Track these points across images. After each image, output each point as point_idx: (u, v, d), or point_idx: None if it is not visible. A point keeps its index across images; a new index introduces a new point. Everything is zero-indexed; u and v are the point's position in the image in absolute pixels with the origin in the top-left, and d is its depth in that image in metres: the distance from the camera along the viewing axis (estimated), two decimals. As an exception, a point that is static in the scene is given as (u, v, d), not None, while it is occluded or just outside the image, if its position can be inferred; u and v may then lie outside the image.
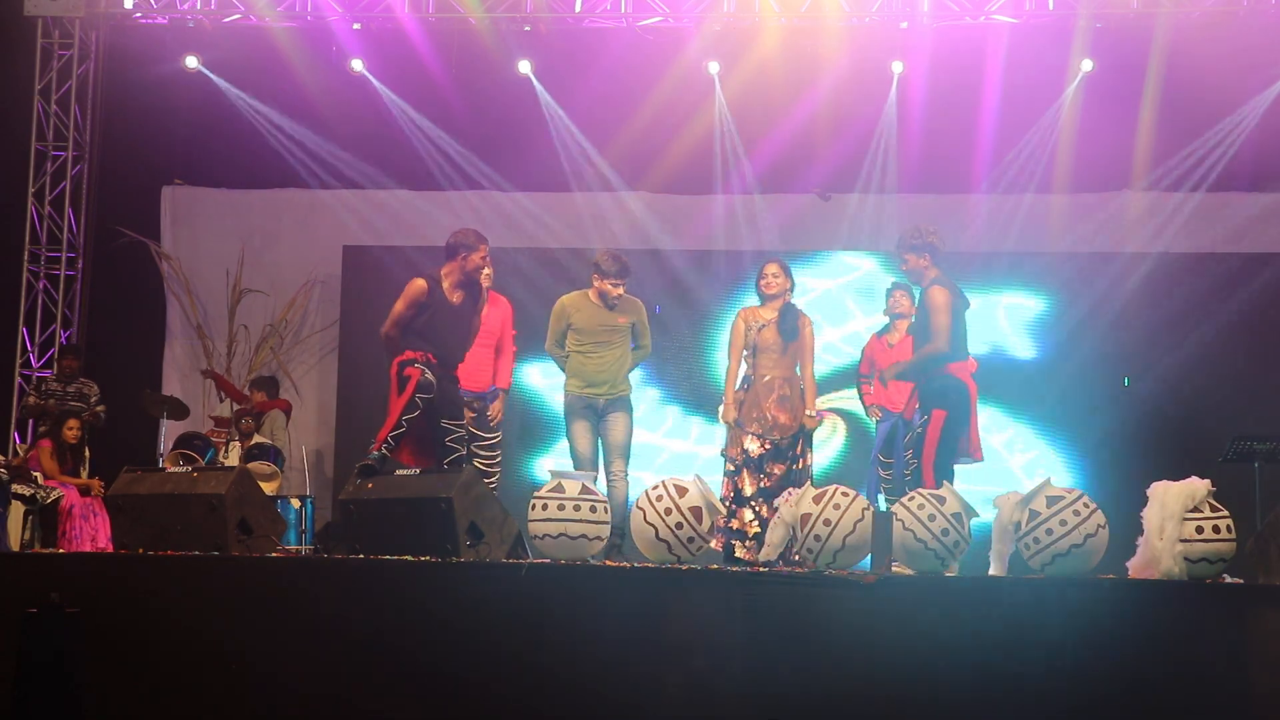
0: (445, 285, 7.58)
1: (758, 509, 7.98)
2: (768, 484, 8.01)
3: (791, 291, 8.36)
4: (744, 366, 8.31)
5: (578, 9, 11.66)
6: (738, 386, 8.26)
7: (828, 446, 11.13)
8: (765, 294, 8.33)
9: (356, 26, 11.85)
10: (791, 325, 8.19)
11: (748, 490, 8.05)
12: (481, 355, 8.29)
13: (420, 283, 7.53)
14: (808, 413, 8.20)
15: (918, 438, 7.34)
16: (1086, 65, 11.31)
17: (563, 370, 8.55)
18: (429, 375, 7.32)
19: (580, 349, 8.44)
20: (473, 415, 8.16)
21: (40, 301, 12.07)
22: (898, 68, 11.49)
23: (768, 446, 8.09)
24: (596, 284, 8.46)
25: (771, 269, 8.39)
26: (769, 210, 11.70)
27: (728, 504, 8.00)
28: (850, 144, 11.52)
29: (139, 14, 11.94)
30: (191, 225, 12.35)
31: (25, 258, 11.98)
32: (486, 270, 8.12)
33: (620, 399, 8.43)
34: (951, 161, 11.55)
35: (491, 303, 8.36)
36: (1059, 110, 11.43)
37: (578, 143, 11.76)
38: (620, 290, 8.44)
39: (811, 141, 11.52)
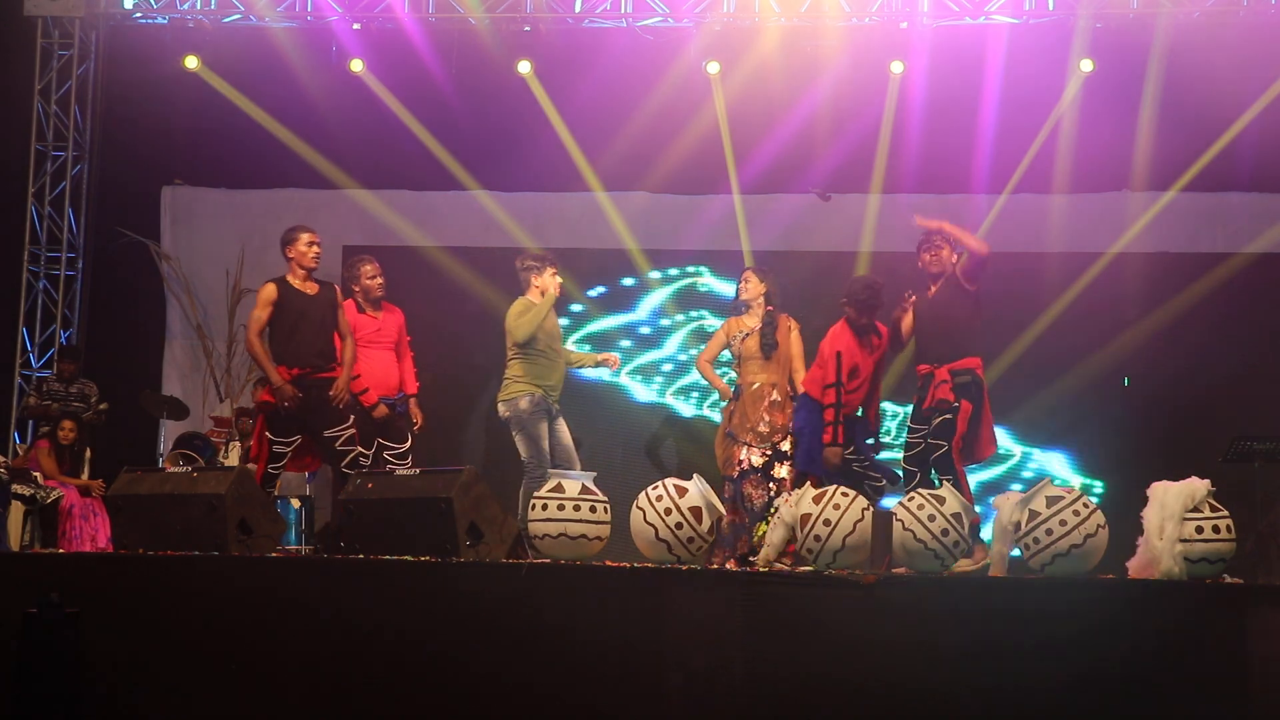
0: (295, 280, 7.91)
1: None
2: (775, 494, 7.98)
3: (771, 296, 8.41)
4: (731, 374, 8.37)
5: (578, 9, 11.65)
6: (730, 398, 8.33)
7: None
8: (742, 299, 8.42)
9: (356, 27, 11.84)
10: (770, 339, 8.28)
11: (758, 504, 8.02)
12: (386, 359, 8.56)
13: (268, 286, 7.90)
14: None
15: (947, 424, 7.47)
16: (1086, 65, 11.29)
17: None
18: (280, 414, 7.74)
19: None
20: (384, 415, 8.31)
21: (40, 301, 12.07)
22: (898, 68, 11.48)
23: (768, 453, 8.10)
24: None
25: (745, 274, 8.50)
26: (769, 210, 11.69)
27: (738, 529, 7.97)
28: (850, 144, 11.49)
29: (139, 14, 11.94)
30: (191, 225, 12.34)
31: (25, 258, 11.98)
32: (379, 280, 8.55)
33: None
34: (951, 161, 11.53)
35: (386, 310, 8.65)
36: (1059, 110, 11.42)
37: (577, 143, 11.75)
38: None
39: (811, 141, 11.50)
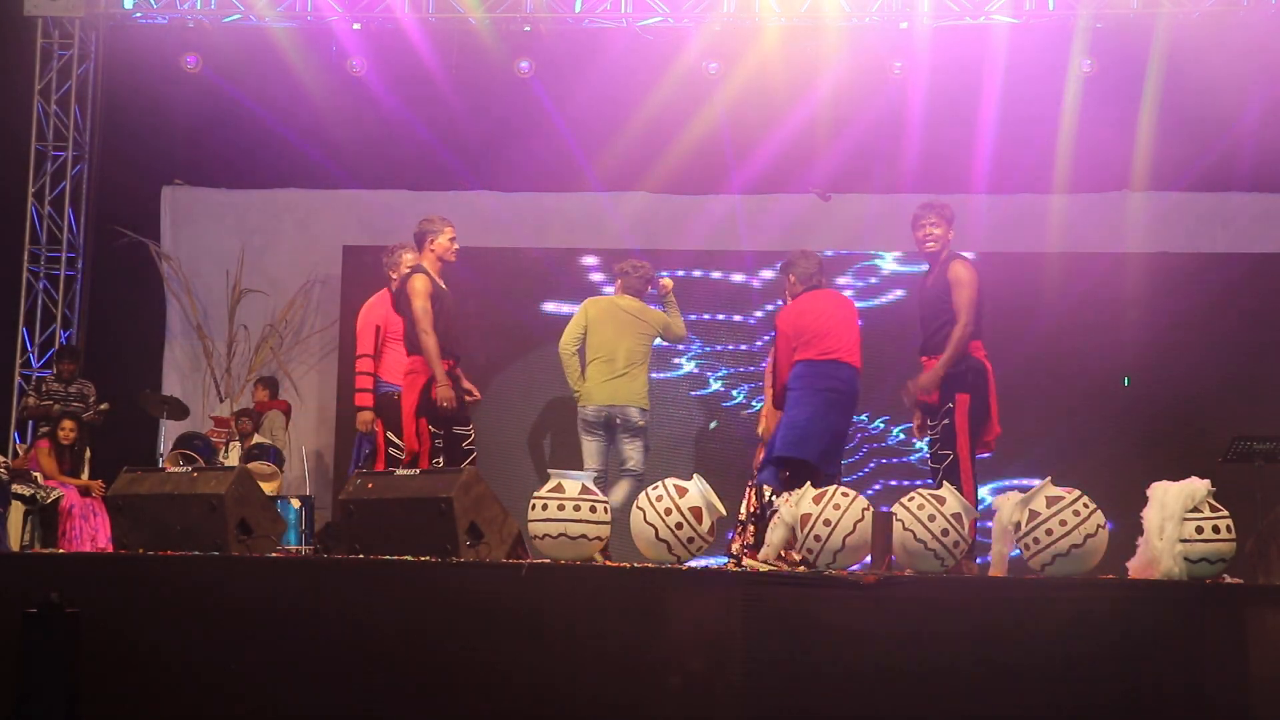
0: (434, 274, 7.74)
1: None
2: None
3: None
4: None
5: (578, 9, 11.66)
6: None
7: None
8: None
9: (356, 26, 11.85)
10: None
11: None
12: None
13: (422, 277, 7.65)
14: None
15: (947, 429, 7.14)
16: (1086, 65, 11.30)
17: None
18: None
19: None
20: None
21: (40, 301, 12.08)
22: (898, 68, 11.49)
23: None
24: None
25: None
26: (769, 210, 11.69)
27: (751, 521, 7.96)
28: (850, 144, 11.50)
29: (139, 14, 11.95)
30: (191, 225, 12.36)
31: (25, 258, 12.00)
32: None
33: None
34: (951, 161, 11.54)
35: None
36: (1059, 110, 11.42)
37: (577, 143, 11.76)
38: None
39: (811, 142, 11.51)
